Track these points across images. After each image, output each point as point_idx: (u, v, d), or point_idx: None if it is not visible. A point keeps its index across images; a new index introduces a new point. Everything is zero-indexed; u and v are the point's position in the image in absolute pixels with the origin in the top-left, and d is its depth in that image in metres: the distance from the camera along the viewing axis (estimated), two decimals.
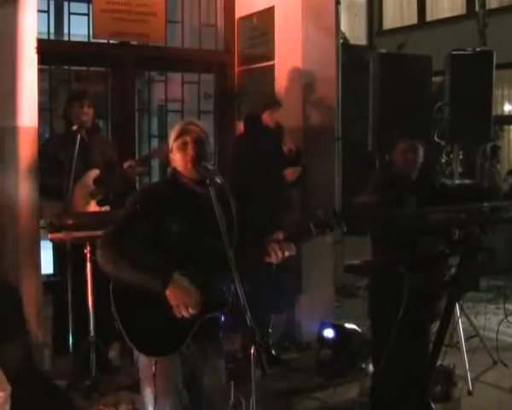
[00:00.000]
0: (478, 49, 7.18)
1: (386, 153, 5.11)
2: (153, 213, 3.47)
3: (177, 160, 3.57)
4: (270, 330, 6.24)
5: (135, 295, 3.41)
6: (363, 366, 6.01)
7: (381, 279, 4.77)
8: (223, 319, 3.61)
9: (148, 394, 3.53)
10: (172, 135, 3.60)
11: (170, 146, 3.61)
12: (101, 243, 3.48)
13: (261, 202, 5.73)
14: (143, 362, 3.55)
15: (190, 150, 3.53)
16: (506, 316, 5.37)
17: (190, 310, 3.36)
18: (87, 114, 5.74)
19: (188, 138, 3.54)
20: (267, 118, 6.08)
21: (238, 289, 3.22)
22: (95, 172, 5.71)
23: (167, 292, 3.34)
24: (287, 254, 3.54)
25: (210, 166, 3.54)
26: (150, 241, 3.46)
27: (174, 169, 3.61)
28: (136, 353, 3.56)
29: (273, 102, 6.16)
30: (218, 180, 3.43)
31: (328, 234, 3.61)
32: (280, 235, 3.57)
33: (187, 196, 3.58)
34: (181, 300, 3.34)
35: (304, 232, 3.57)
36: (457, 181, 7.25)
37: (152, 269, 3.38)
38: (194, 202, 3.57)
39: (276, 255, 3.52)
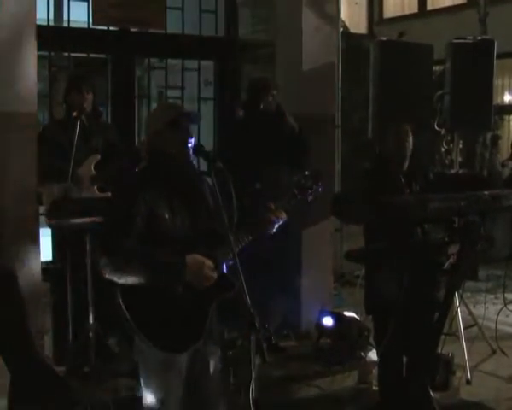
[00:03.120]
0: (479, 38, 7.16)
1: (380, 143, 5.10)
2: (144, 207, 3.42)
3: (170, 143, 3.51)
4: (270, 319, 6.24)
5: (146, 297, 3.40)
6: (362, 354, 6.01)
7: (380, 267, 4.75)
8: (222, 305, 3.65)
9: (154, 389, 3.56)
10: (162, 118, 3.55)
11: (156, 129, 3.55)
12: (102, 253, 3.42)
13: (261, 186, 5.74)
14: (152, 358, 3.53)
15: (191, 134, 3.52)
16: (505, 304, 5.37)
17: (212, 275, 3.42)
18: (86, 99, 5.71)
19: (185, 122, 3.53)
20: (265, 102, 6.05)
21: (238, 275, 3.22)
22: (95, 158, 5.68)
23: (187, 277, 3.38)
24: (280, 221, 3.74)
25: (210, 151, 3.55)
26: (147, 235, 3.43)
27: (159, 153, 3.55)
28: (139, 349, 3.55)
29: (269, 86, 6.12)
30: (218, 166, 3.42)
31: (309, 195, 3.93)
32: (271, 205, 3.76)
33: (176, 181, 3.54)
34: (201, 275, 3.40)
35: (290, 198, 3.87)
36: (452, 171, 7.23)
37: (163, 265, 3.38)
38: (184, 186, 3.55)
39: (271, 224, 3.70)
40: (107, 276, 3.39)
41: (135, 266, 3.35)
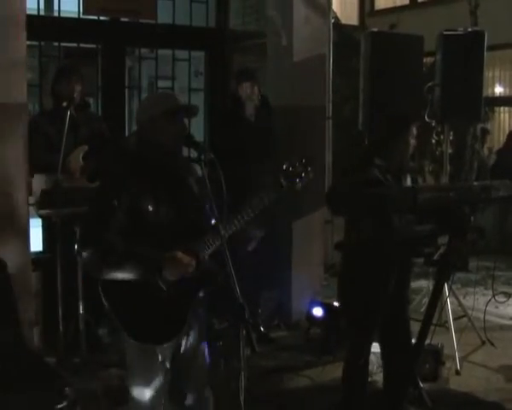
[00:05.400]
0: (469, 30, 7.15)
1: (380, 134, 4.92)
2: (128, 199, 3.35)
3: (164, 133, 3.42)
4: (259, 310, 6.26)
5: (126, 289, 3.35)
6: None
7: (363, 258, 4.61)
8: (210, 296, 3.62)
9: (138, 382, 3.56)
10: (158, 106, 3.45)
11: (152, 116, 3.43)
12: (84, 246, 3.36)
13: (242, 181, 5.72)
14: (135, 350, 3.51)
15: (185, 125, 3.48)
16: (494, 295, 5.40)
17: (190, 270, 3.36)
18: (75, 90, 5.68)
19: (181, 112, 3.48)
20: (241, 90, 6.05)
21: (228, 266, 3.21)
22: (83, 149, 5.67)
23: (165, 275, 3.33)
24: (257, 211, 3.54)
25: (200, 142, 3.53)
26: (130, 228, 3.36)
27: (149, 141, 3.45)
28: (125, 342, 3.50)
29: (244, 75, 6.12)
30: (209, 156, 3.41)
31: (298, 184, 3.65)
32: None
33: (162, 171, 3.46)
34: (180, 273, 3.34)
35: (275, 187, 3.61)
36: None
37: (143, 259, 3.32)
38: (169, 178, 3.49)
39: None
40: (89, 269, 3.37)
41: (112, 261, 3.29)
